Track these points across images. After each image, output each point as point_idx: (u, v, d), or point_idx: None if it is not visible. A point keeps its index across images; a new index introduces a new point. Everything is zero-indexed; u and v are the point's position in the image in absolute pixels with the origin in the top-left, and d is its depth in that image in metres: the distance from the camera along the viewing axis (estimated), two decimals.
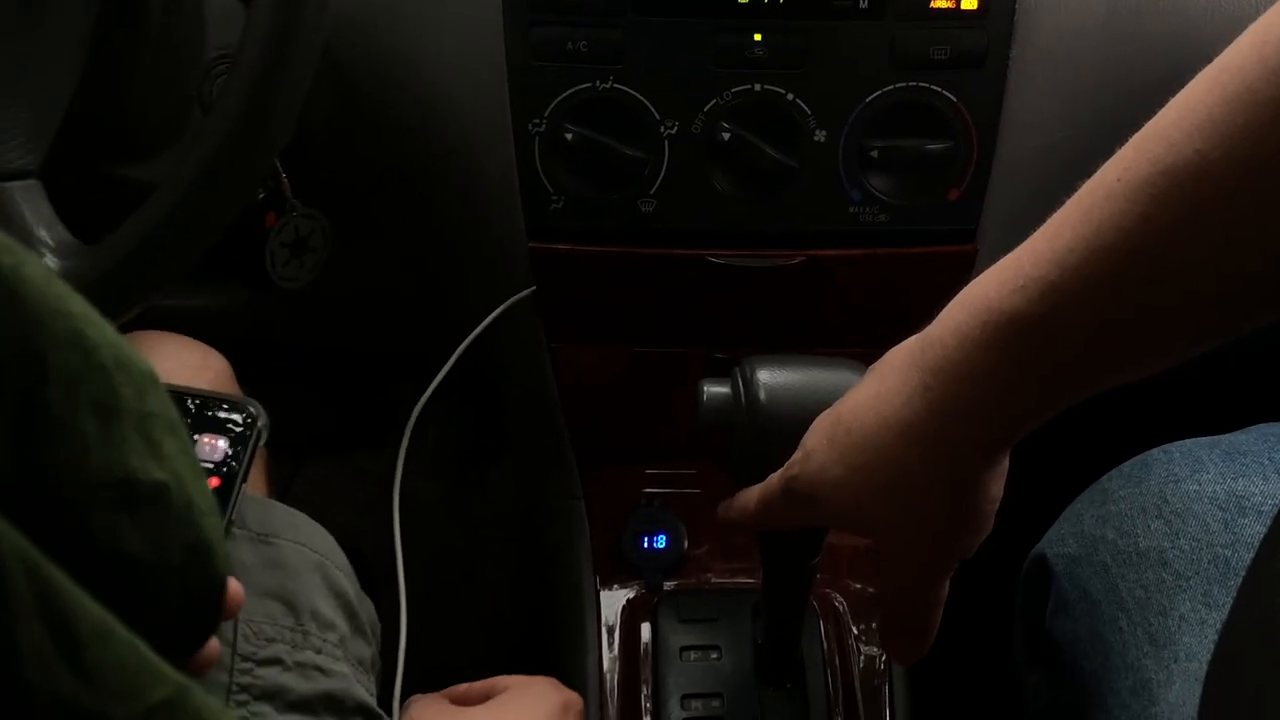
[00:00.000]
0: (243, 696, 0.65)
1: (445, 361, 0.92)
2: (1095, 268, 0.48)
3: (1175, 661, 0.70)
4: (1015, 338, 0.50)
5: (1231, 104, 0.45)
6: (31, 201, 0.70)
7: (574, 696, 0.82)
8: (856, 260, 0.91)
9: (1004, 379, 0.52)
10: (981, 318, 0.52)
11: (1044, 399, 0.53)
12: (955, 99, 0.86)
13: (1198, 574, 0.73)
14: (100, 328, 0.28)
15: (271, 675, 0.66)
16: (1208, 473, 0.77)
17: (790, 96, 0.86)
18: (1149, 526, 0.76)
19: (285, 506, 0.77)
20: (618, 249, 0.91)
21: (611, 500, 1.05)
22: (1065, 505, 0.84)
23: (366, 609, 0.77)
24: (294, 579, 0.71)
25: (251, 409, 0.69)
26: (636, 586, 1.02)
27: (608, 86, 0.86)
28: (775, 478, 0.66)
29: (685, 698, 0.91)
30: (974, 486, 0.57)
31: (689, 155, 0.87)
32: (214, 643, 0.41)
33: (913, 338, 0.57)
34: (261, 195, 0.88)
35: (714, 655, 0.93)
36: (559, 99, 0.86)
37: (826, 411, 0.63)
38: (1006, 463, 0.58)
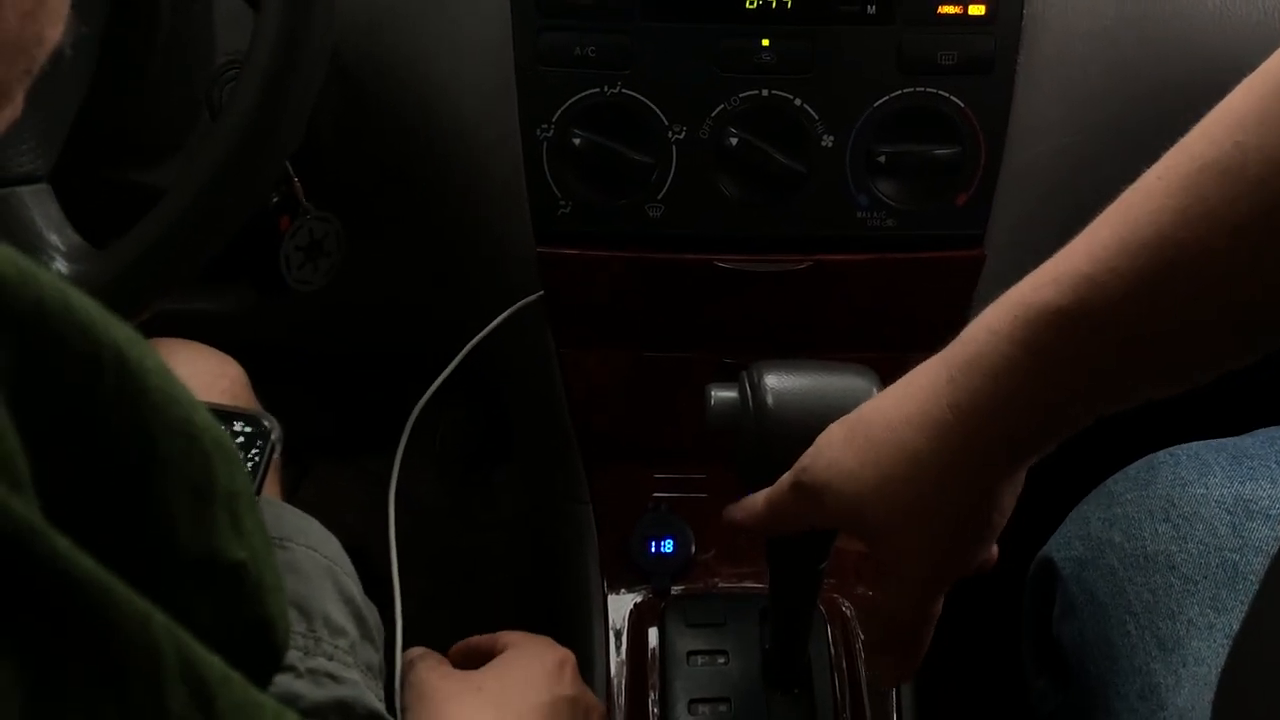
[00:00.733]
0: None
1: (451, 363, 0.92)
2: (1129, 262, 0.48)
3: (1184, 666, 0.70)
4: (1046, 331, 0.50)
5: (1272, 97, 0.45)
6: (41, 206, 0.70)
7: (568, 653, 0.84)
8: (864, 265, 0.91)
9: (1031, 374, 0.51)
10: (1013, 312, 0.51)
11: (1072, 401, 0.52)
12: (963, 104, 0.86)
13: (1205, 578, 0.73)
14: (202, 413, 0.29)
15: (284, 682, 0.66)
16: (1215, 476, 0.77)
17: (798, 102, 0.86)
18: (1156, 530, 0.76)
19: (297, 510, 0.77)
20: (625, 254, 0.91)
21: (619, 504, 1.05)
22: (1071, 508, 0.84)
23: (373, 614, 0.77)
24: (306, 584, 0.71)
25: (266, 422, 0.69)
26: (644, 591, 1.01)
27: (615, 92, 0.86)
28: (785, 477, 0.66)
29: (693, 702, 0.91)
30: (989, 495, 0.57)
31: (696, 160, 0.87)
32: None
33: (947, 345, 0.57)
34: (275, 199, 0.88)
35: (721, 660, 0.93)
36: (567, 104, 0.86)
37: (845, 416, 0.63)
38: (1022, 478, 0.57)
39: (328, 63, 0.71)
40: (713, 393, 0.73)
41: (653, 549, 1.02)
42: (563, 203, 0.89)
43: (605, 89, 0.86)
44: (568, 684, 0.82)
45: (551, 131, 0.87)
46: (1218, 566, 0.73)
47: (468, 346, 0.92)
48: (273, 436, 0.69)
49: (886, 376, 0.71)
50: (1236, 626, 0.69)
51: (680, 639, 0.95)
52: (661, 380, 1.01)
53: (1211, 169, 0.46)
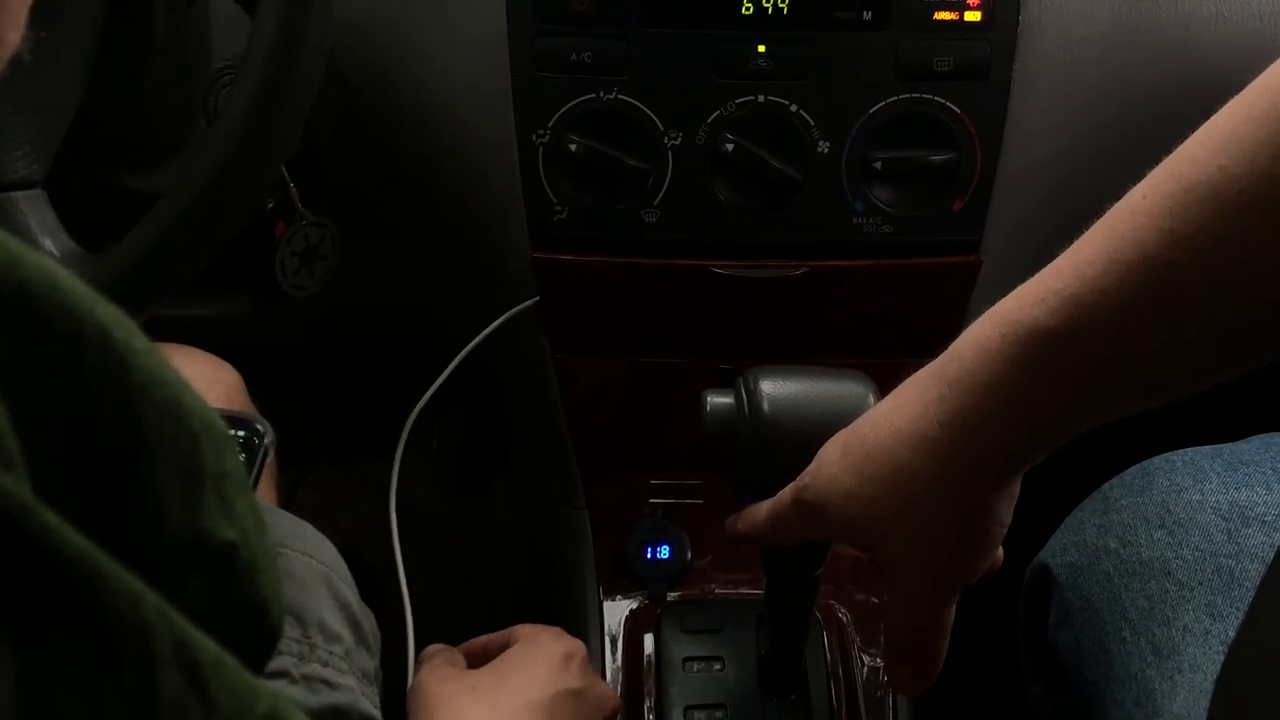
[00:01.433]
0: None
1: (446, 369, 0.92)
2: (1114, 282, 0.48)
3: (1179, 672, 0.70)
4: (1033, 349, 0.50)
5: (1257, 121, 0.45)
6: (36, 211, 0.70)
7: (577, 644, 0.83)
8: (860, 271, 0.91)
9: (1020, 391, 0.52)
10: (1001, 330, 0.52)
11: (1059, 417, 0.52)
12: (959, 110, 0.86)
13: (1201, 584, 0.73)
14: (191, 394, 0.29)
15: (278, 688, 0.66)
16: (1210, 482, 0.77)
17: (794, 107, 0.86)
18: (1152, 536, 0.76)
19: (292, 516, 0.77)
20: (621, 259, 0.91)
21: (615, 510, 1.05)
22: (1066, 514, 0.84)
23: (369, 620, 0.77)
24: (301, 590, 0.71)
25: (259, 426, 0.69)
26: (640, 597, 1.01)
27: (612, 97, 0.86)
28: (786, 490, 0.66)
29: (689, 709, 0.91)
30: (982, 507, 0.57)
31: (693, 166, 0.87)
32: None
33: (937, 358, 0.57)
34: (271, 204, 0.88)
35: (717, 666, 0.93)
36: (563, 110, 0.86)
37: (844, 429, 0.63)
38: (1017, 488, 0.58)
39: (324, 67, 0.71)
40: (709, 399, 0.73)
41: (649, 555, 1.02)
42: (559, 208, 0.89)
43: (601, 94, 0.86)
44: (574, 676, 0.81)
45: (548, 137, 0.87)
46: (1213, 573, 0.73)
47: (463, 352, 0.93)
48: (266, 441, 0.69)
49: (883, 382, 0.71)
50: (1232, 633, 0.70)
51: (676, 645, 0.95)
52: (657, 386, 1.01)
53: (1196, 191, 0.46)
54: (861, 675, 0.97)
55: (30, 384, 0.24)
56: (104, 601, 0.23)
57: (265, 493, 0.85)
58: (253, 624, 0.30)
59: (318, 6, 0.68)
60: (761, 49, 0.85)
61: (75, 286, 0.25)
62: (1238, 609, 0.71)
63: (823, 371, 0.72)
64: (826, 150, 0.87)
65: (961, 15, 0.85)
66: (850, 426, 0.62)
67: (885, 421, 0.58)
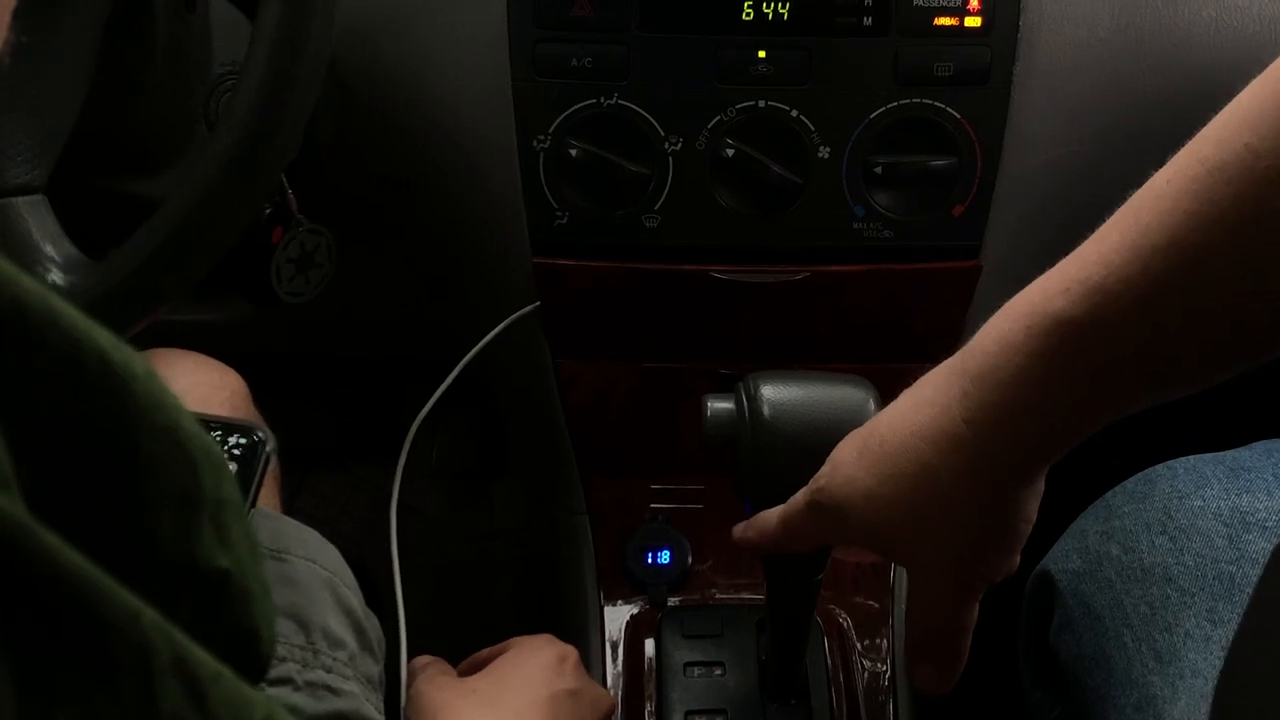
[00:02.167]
0: None
1: (449, 375, 0.92)
2: (1140, 268, 0.47)
3: (1180, 678, 0.70)
4: (1058, 340, 0.50)
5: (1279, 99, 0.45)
6: (37, 216, 0.70)
7: (569, 649, 0.84)
8: (860, 276, 0.91)
9: (1044, 384, 0.51)
10: (1024, 322, 0.51)
11: (1086, 409, 0.52)
12: (959, 115, 0.86)
13: (1203, 590, 0.73)
14: (189, 420, 0.29)
15: (282, 695, 0.66)
16: (1212, 489, 0.77)
17: (794, 113, 0.86)
18: (1153, 542, 0.76)
19: (296, 522, 0.77)
20: (622, 265, 0.91)
21: (616, 515, 1.05)
22: (1069, 521, 0.84)
23: (373, 626, 0.77)
24: (305, 596, 0.71)
25: (259, 434, 0.69)
26: (640, 602, 1.01)
27: (612, 103, 0.86)
28: (799, 495, 0.65)
29: (689, 714, 0.91)
30: (1007, 503, 0.56)
31: (693, 171, 0.87)
32: None
33: (956, 354, 0.56)
34: (268, 210, 0.88)
35: (718, 671, 0.93)
36: (564, 115, 0.86)
37: (858, 429, 0.62)
38: (1042, 484, 0.57)
39: (324, 73, 0.71)
40: (709, 404, 0.73)
41: (649, 560, 1.02)
42: (559, 213, 0.89)
43: (602, 100, 0.86)
44: (569, 678, 0.81)
45: (548, 142, 0.87)
46: (1214, 579, 0.73)
47: (466, 358, 0.92)
48: (267, 449, 0.69)
49: (883, 387, 0.71)
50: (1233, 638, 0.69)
51: (677, 650, 0.95)
52: (658, 391, 1.01)
53: (1222, 171, 0.45)
54: (862, 680, 0.96)
55: (25, 404, 0.25)
56: (103, 618, 0.23)
57: (268, 499, 0.85)
58: (244, 651, 0.30)
59: (319, 12, 0.68)
60: (762, 54, 0.85)
61: (72, 311, 0.25)
62: (1239, 614, 0.71)
63: (823, 376, 0.72)
64: (827, 155, 0.87)
65: (961, 21, 0.85)
66: (865, 426, 0.61)
67: (905, 420, 0.57)
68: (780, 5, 0.84)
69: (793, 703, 0.90)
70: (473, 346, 0.93)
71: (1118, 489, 0.83)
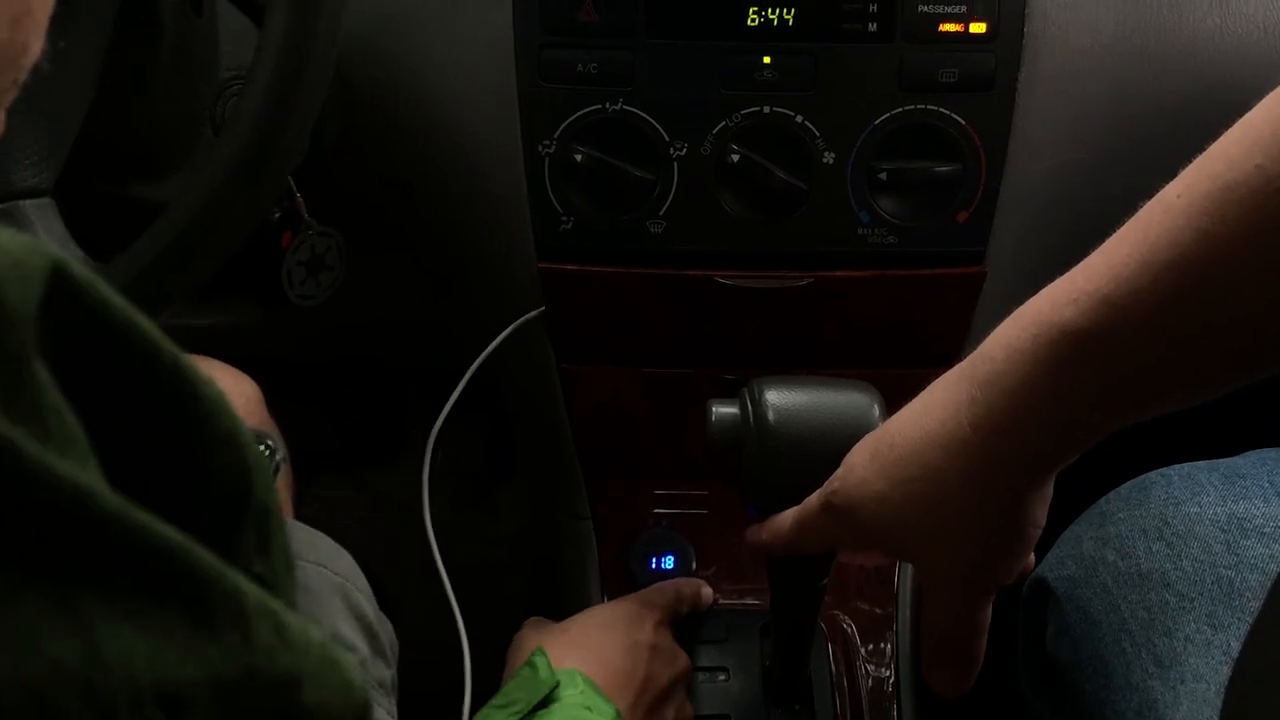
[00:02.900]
0: None
1: (454, 379, 0.92)
2: (1149, 282, 0.47)
3: (1182, 683, 0.70)
4: (1066, 351, 0.50)
5: None
6: (44, 219, 0.70)
7: (654, 607, 0.88)
8: (865, 282, 0.91)
9: (1052, 393, 0.51)
10: (1032, 331, 0.51)
11: (1090, 418, 0.52)
12: (964, 121, 0.86)
13: (1202, 595, 0.73)
14: (244, 426, 0.29)
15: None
16: (1208, 495, 0.77)
17: (799, 119, 0.86)
18: (1150, 548, 0.76)
19: (306, 527, 0.78)
20: (627, 270, 0.91)
21: (620, 520, 1.05)
22: (1063, 528, 0.84)
23: (385, 630, 0.77)
24: (315, 602, 0.71)
25: (269, 442, 0.69)
26: None
27: (618, 108, 0.86)
28: (813, 497, 0.65)
29: (694, 719, 0.91)
30: (1016, 507, 0.56)
31: (698, 177, 0.87)
32: None
33: (966, 358, 0.57)
34: (277, 214, 0.88)
35: (722, 676, 0.93)
36: (569, 120, 0.86)
37: (873, 431, 0.63)
38: (1050, 488, 0.57)
39: (331, 77, 0.71)
40: (714, 409, 0.74)
41: (653, 565, 1.02)
42: (564, 219, 0.89)
43: (607, 105, 0.86)
44: (648, 631, 0.85)
45: (554, 147, 0.87)
46: (1213, 583, 0.73)
47: (474, 364, 0.93)
48: (277, 457, 0.69)
49: (888, 392, 0.71)
50: (1234, 643, 0.70)
51: None
52: (663, 396, 1.01)
53: (1234, 190, 0.45)
54: (866, 686, 0.96)
55: (104, 396, 0.26)
56: (204, 574, 0.24)
57: (282, 500, 0.85)
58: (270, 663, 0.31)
59: (325, 17, 0.69)
60: (767, 60, 0.85)
61: (146, 318, 0.26)
62: (1239, 619, 0.71)
63: (828, 382, 0.72)
64: (831, 161, 0.87)
65: (966, 27, 0.85)
66: (878, 430, 0.62)
67: (915, 424, 0.58)
68: (785, 11, 0.85)
69: (797, 708, 0.91)
70: (477, 351, 0.93)
71: (1111, 495, 0.83)
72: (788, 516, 0.68)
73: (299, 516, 1.00)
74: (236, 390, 0.87)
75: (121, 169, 0.83)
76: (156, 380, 0.26)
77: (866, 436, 0.63)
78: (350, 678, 0.28)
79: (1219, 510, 0.76)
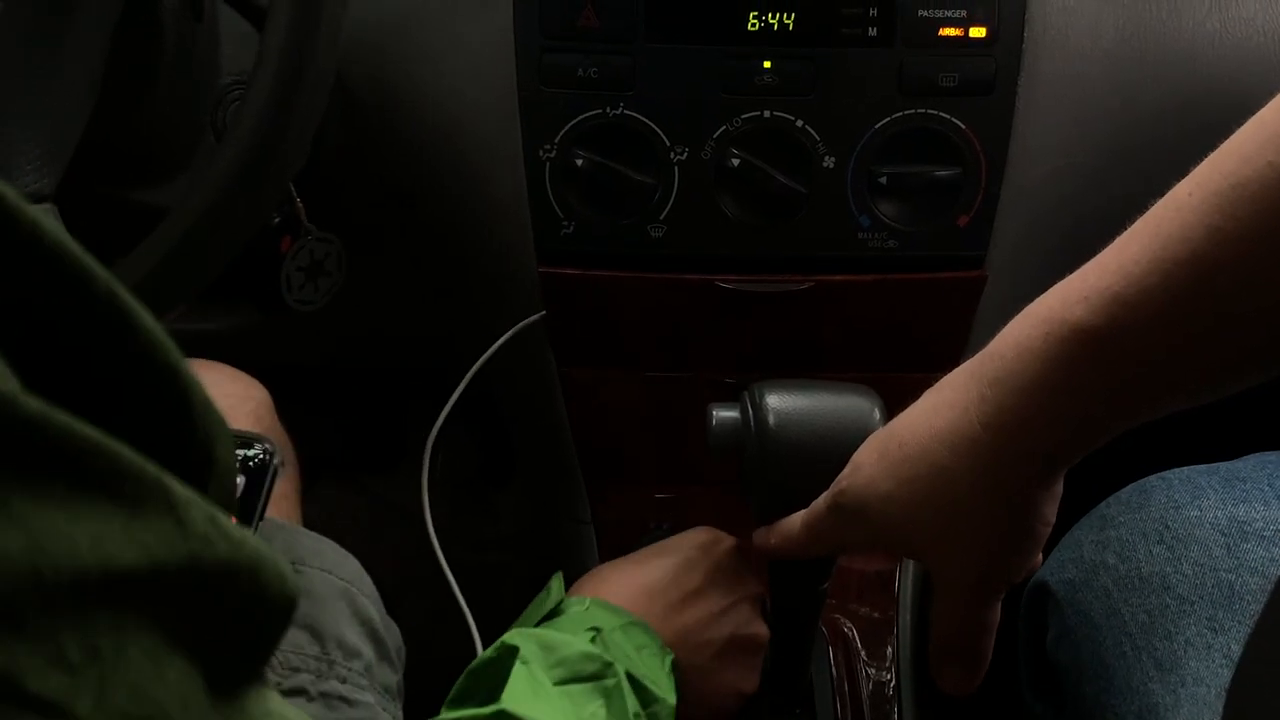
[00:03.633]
0: None
1: (455, 384, 0.93)
2: (1160, 280, 0.47)
3: (1183, 686, 0.70)
4: (1076, 349, 0.50)
5: None
6: None
7: (727, 538, 0.82)
8: (865, 286, 0.92)
9: (1062, 391, 0.51)
10: (1043, 329, 0.51)
11: (1099, 417, 0.52)
12: (964, 126, 0.86)
13: (1202, 598, 0.73)
14: (188, 365, 0.30)
15: (295, 706, 0.66)
16: (1208, 499, 0.77)
17: (799, 123, 0.86)
18: (1150, 552, 0.76)
19: (312, 533, 0.78)
20: (627, 274, 0.91)
21: (621, 524, 1.05)
22: (1063, 532, 0.84)
23: (392, 634, 0.77)
24: (320, 607, 0.71)
25: (269, 447, 0.69)
26: None
27: (618, 113, 0.86)
28: (821, 499, 0.65)
29: None
30: (1025, 506, 0.56)
31: (698, 181, 0.88)
32: None
33: (974, 356, 0.57)
34: (277, 219, 0.88)
35: None
36: (570, 125, 0.86)
37: (880, 429, 0.63)
38: (1060, 486, 0.57)
39: (332, 83, 0.72)
40: (714, 412, 0.74)
41: None
42: (565, 223, 0.89)
43: (608, 110, 0.86)
44: (713, 555, 0.80)
45: (554, 152, 0.87)
46: (1214, 587, 0.73)
47: (474, 368, 0.93)
48: (275, 462, 0.69)
49: (888, 396, 0.71)
50: (1234, 646, 0.70)
51: None
52: (663, 400, 1.01)
53: (1246, 188, 0.45)
54: (867, 689, 0.96)
55: (26, 318, 0.26)
56: (129, 467, 0.25)
57: (289, 512, 0.85)
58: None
59: (327, 23, 0.69)
60: (767, 65, 0.85)
61: (81, 248, 0.26)
62: (1239, 622, 0.71)
63: (828, 386, 0.72)
64: (832, 165, 0.87)
65: (966, 31, 0.85)
66: (885, 428, 0.62)
67: (923, 423, 0.58)
68: (785, 16, 0.85)
69: (797, 712, 0.90)
70: (478, 356, 0.93)
71: (1111, 499, 0.83)
72: (796, 520, 0.68)
73: (300, 521, 1.00)
74: (246, 395, 0.87)
75: (123, 174, 0.83)
76: (89, 309, 0.26)
77: (873, 436, 0.63)
78: (282, 569, 0.28)
79: (1219, 514, 0.76)
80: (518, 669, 0.63)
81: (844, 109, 0.86)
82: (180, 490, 0.25)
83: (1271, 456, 0.81)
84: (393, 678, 0.75)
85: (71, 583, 0.22)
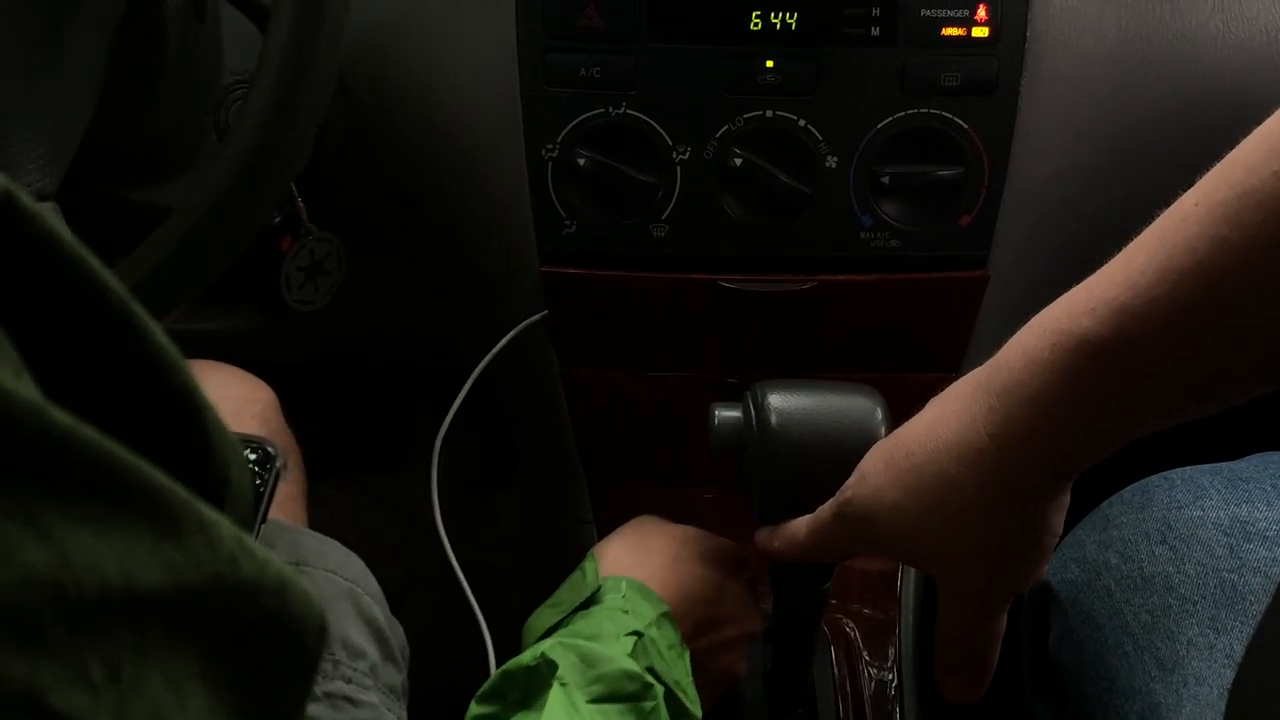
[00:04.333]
0: None
1: (457, 384, 0.92)
2: (1167, 291, 0.47)
3: (1185, 686, 0.70)
4: (1084, 360, 0.50)
5: None
6: None
7: (727, 542, 0.84)
8: (867, 286, 0.91)
9: (1069, 402, 0.51)
10: (1050, 340, 0.51)
11: (1107, 428, 0.52)
12: (966, 125, 0.86)
13: (1205, 598, 0.73)
14: (199, 385, 0.30)
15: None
16: (1211, 499, 0.77)
17: (802, 123, 0.86)
18: (1153, 552, 0.76)
19: (316, 534, 0.78)
20: (629, 274, 0.91)
21: (622, 524, 1.04)
22: (1066, 532, 0.84)
23: (396, 634, 0.77)
24: (325, 608, 0.71)
25: (271, 449, 0.69)
26: None
27: (620, 112, 0.86)
28: (826, 506, 0.65)
29: None
30: (1032, 516, 0.56)
31: (701, 181, 0.88)
32: None
33: (981, 366, 0.57)
34: (277, 219, 0.88)
35: None
36: (572, 124, 0.86)
37: (886, 437, 0.63)
38: (1068, 496, 0.57)
39: (334, 83, 0.72)
40: (716, 412, 0.74)
41: None
42: (567, 222, 0.89)
43: (610, 110, 0.86)
44: (707, 539, 0.82)
45: (556, 152, 0.87)
46: (1216, 587, 0.73)
47: (478, 369, 0.93)
48: (278, 464, 0.69)
49: (890, 396, 0.71)
50: (1237, 646, 0.69)
51: None
52: (665, 399, 1.01)
53: (1251, 197, 0.45)
54: (869, 690, 0.96)
55: (44, 327, 0.26)
56: (159, 486, 0.25)
57: (294, 513, 0.85)
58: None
59: (329, 23, 0.69)
60: (770, 64, 0.85)
61: (96, 259, 0.26)
62: (1241, 622, 0.71)
63: (831, 386, 0.72)
64: (834, 165, 0.87)
65: (969, 31, 0.85)
66: (891, 437, 0.61)
67: (930, 433, 0.58)
68: (788, 15, 0.85)
69: (799, 712, 0.90)
70: (480, 356, 0.93)
71: (1113, 499, 0.83)
72: (801, 525, 0.68)
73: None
74: (253, 397, 0.86)
75: (125, 173, 0.83)
76: (104, 319, 0.26)
77: (878, 444, 0.62)
78: (308, 590, 0.28)
79: (1222, 514, 0.76)
80: (556, 692, 0.63)
81: (846, 109, 0.86)
82: (208, 511, 0.25)
83: (1275, 457, 0.81)
84: (397, 678, 0.75)
85: (97, 600, 0.22)
